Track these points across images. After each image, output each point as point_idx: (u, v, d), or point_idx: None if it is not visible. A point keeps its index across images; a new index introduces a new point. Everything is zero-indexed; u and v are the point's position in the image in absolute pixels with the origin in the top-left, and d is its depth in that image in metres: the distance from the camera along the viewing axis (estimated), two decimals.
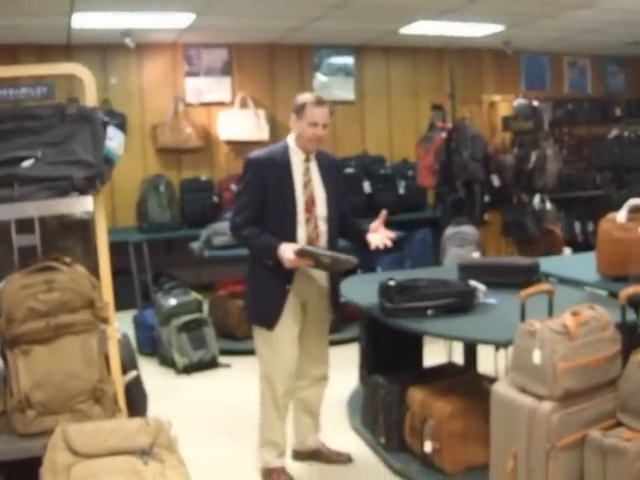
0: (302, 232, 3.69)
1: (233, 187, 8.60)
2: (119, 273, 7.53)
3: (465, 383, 3.82)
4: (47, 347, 2.75)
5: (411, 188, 9.05)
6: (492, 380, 3.82)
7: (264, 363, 3.83)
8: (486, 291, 3.83)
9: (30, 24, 7.26)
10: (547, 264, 4.64)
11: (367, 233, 3.81)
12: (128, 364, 4.33)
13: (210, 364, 5.95)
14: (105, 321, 2.87)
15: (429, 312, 3.59)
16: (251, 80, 9.18)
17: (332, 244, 3.80)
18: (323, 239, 3.76)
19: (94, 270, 2.98)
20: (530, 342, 2.85)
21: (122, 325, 6.51)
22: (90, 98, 2.87)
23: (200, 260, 6.91)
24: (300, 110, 3.69)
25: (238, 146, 8.94)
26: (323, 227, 3.76)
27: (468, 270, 4.28)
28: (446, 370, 4.26)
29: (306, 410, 4.04)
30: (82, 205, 2.69)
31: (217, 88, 9.09)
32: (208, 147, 8.99)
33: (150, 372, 5.87)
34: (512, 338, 3.12)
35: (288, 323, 3.74)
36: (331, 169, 3.86)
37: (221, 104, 9.04)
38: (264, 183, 3.64)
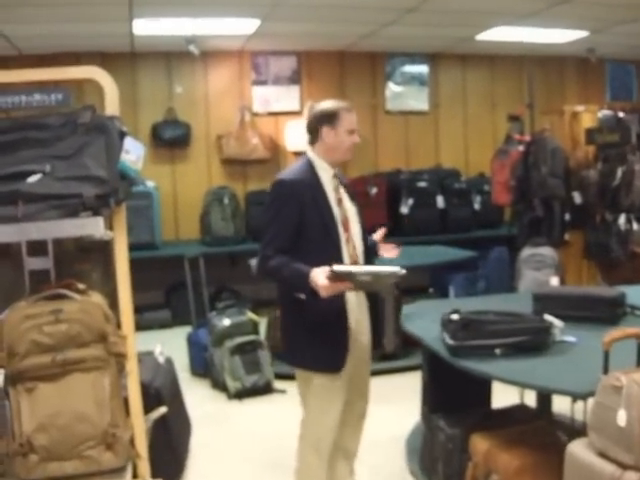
0: (345, 254, 3.31)
1: None
2: (179, 288, 7.57)
3: (536, 432, 3.36)
4: (53, 385, 2.44)
5: (487, 204, 8.64)
6: (568, 429, 3.37)
7: (315, 411, 3.40)
8: (564, 327, 3.38)
9: (92, 31, 7.13)
10: (634, 294, 4.13)
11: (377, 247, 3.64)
12: (167, 392, 4.05)
13: (264, 389, 5.61)
14: (121, 357, 2.53)
15: (497, 351, 3.15)
16: (320, 89, 8.87)
17: (369, 262, 3.45)
18: (362, 259, 3.39)
19: (115, 298, 2.66)
20: (615, 400, 2.39)
21: (178, 342, 6.38)
22: (111, 106, 2.53)
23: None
24: (332, 118, 3.30)
25: None
26: (360, 246, 3.40)
27: (544, 301, 3.82)
28: (516, 414, 3.80)
29: (342, 452, 3.60)
30: (93, 227, 2.36)
31: (285, 97, 8.82)
32: (275, 158, 8.70)
33: (200, 395, 5.61)
34: (593, 389, 2.67)
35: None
36: (349, 187, 3.53)
37: (289, 114, 8.77)
38: (300, 207, 3.22)
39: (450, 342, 3.20)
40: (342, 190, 3.40)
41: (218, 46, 8.21)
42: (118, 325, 2.63)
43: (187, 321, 7.22)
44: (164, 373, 4.20)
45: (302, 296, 3.18)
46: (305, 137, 3.39)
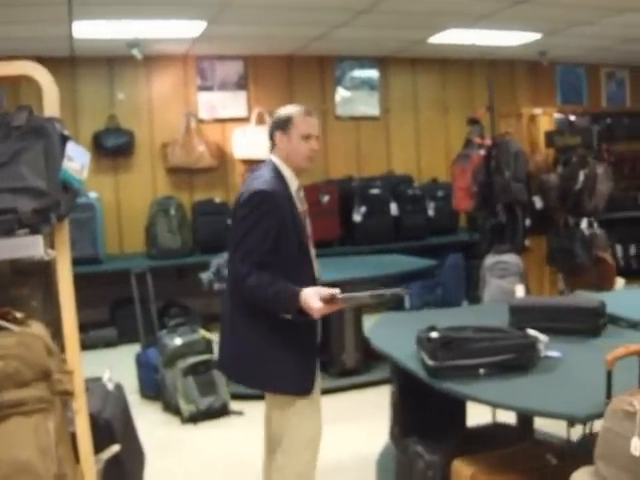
0: (316, 271, 3.10)
1: None
2: (125, 304, 7.20)
3: (523, 455, 3.11)
4: None
5: (441, 210, 8.52)
6: (555, 451, 3.13)
7: (298, 438, 3.09)
8: (548, 342, 3.14)
9: (28, 33, 6.77)
10: (610, 302, 3.92)
11: None
12: (119, 423, 3.71)
13: (220, 412, 5.27)
14: (67, 395, 2.20)
15: (481, 371, 2.89)
16: (268, 94, 8.60)
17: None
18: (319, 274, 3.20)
19: (59, 327, 2.33)
20: (627, 426, 2.15)
21: (125, 362, 6.03)
22: (50, 107, 2.20)
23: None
24: (285, 123, 3.06)
25: (255, 165, 8.26)
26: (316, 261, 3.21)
27: (521, 313, 3.58)
28: (497, 434, 3.56)
29: None
30: (31, 246, 2.03)
31: (232, 103, 8.53)
32: (222, 167, 8.41)
33: (152, 420, 5.27)
34: (592, 411, 2.43)
35: (317, 382, 3.13)
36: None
37: (236, 120, 8.48)
38: (279, 220, 2.96)
39: (430, 363, 2.93)
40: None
41: (162, 50, 7.88)
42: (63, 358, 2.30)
43: (134, 339, 6.85)
44: (114, 401, 3.84)
45: (287, 316, 2.92)
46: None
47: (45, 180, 2.04)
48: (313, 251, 3.14)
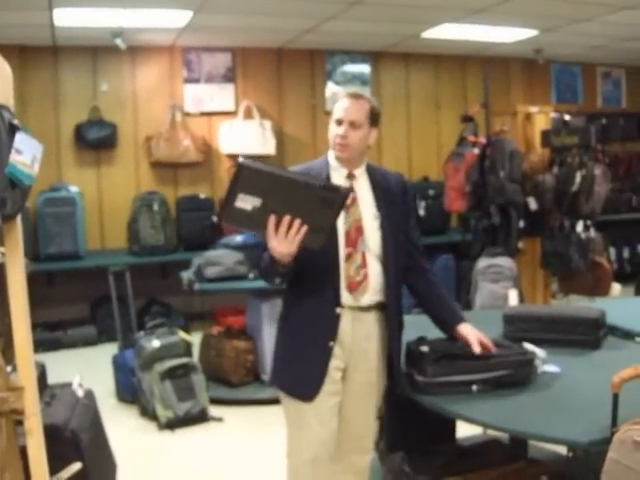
0: (343, 275, 2.74)
1: None
2: (105, 302, 6.97)
3: (517, 475, 2.92)
4: None
5: (432, 209, 8.32)
6: (551, 471, 2.93)
7: (291, 442, 2.86)
8: (546, 357, 2.93)
9: (9, 21, 6.53)
10: (609, 312, 3.71)
11: (456, 324, 2.88)
12: (87, 434, 3.49)
13: (199, 418, 5.03)
14: (16, 414, 1.98)
15: (474, 388, 2.68)
16: (257, 88, 8.38)
17: (391, 293, 2.81)
18: (374, 283, 2.78)
19: (10, 337, 2.10)
20: (637, 459, 1.94)
21: (104, 362, 5.80)
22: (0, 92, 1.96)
23: None
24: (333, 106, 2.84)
25: None
26: (375, 267, 2.78)
27: (516, 323, 3.37)
28: (489, 451, 3.35)
29: None
30: None
31: (219, 96, 8.29)
32: (208, 161, 8.18)
33: (128, 426, 5.05)
34: (594, 436, 2.23)
35: (326, 392, 2.76)
36: (392, 192, 2.89)
37: (223, 114, 8.24)
38: None
39: (419, 378, 2.72)
40: (367, 195, 2.82)
41: (147, 40, 7.63)
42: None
43: (114, 338, 6.64)
44: (83, 410, 3.62)
45: (277, 281, 2.70)
46: None
47: None
48: (348, 251, 2.74)
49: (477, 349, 2.74)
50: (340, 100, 2.79)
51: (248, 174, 2.38)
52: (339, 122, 2.76)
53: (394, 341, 2.84)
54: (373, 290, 2.78)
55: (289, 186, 2.44)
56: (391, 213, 2.84)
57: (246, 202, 2.39)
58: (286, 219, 2.45)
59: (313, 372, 2.74)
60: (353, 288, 2.74)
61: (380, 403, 2.97)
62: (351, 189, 2.72)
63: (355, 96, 2.79)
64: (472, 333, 2.81)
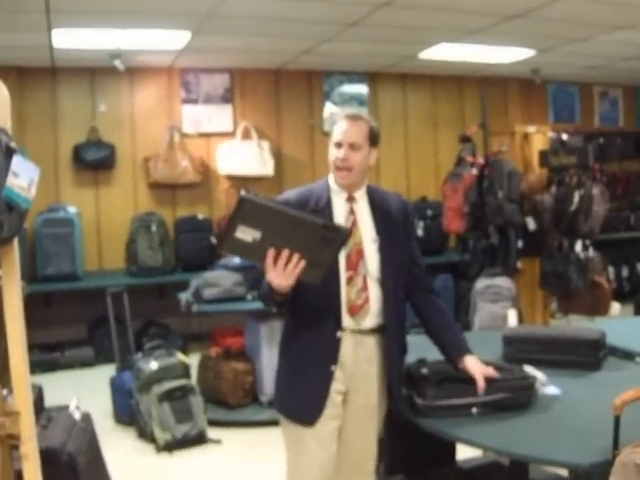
0: (344, 299, 2.72)
1: None
2: (103, 323, 6.94)
3: None
4: None
5: (430, 229, 8.33)
6: None
7: (290, 466, 2.83)
8: (546, 380, 2.91)
9: (8, 42, 6.55)
10: (609, 332, 3.69)
11: (461, 356, 2.81)
12: (84, 458, 3.46)
13: (197, 440, 5.00)
14: (12, 439, 1.95)
15: (474, 411, 2.66)
16: (255, 109, 8.40)
17: (391, 316, 2.79)
18: (375, 306, 2.76)
19: (7, 360, 2.08)
20: None
21: (101, 383, 5.77)
22: None
23: None
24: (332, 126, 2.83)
25: (239, 181, 8.13)
26: (376, 290, 2.77)
27: (516, 344, 3.35)
28: (488, 473, 3.32)
29: None
30: None
31: (217, 117, 8.29)
32: (206, 182, 8.17)
33: (125, 448, 5.01)
34: (597, 459, 2.21)
35: (327, 416, 2.73)
36: (392, 214, 2.86)
37: (221, 135, 8.25)
38: None
39: (419, 401, 2.70)
40: (367, 219, 2.80)
41: (145, 62, 7.65)
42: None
43: (112, 359, 6.60)
44: (80, 433, 3.59)
45: (274, 309, 2.79)
46: None
47: None
48: (349, 274, 2.72)
49: (481, 385, 2.68)
50: (339, 122, 2.77)
51: (250, 208, 2.37)
52: (339, 145, 2.74)
53: (394, 364, 2.81)
54: (374, 313, 2.76)
55: (290, 222, 2.44)
56: (391, 235, 2.82)
57: (246, 234, 2.38)
58: (285, 252, 2.44)
59: (314, 396, 2.71)
60: (354, 312, 2.73)
61: (381, 426, 2.94)
62: (352, 226, 2.73)
63: (353, 117, 2.78)
64: (477, 368, 2.74)
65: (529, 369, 2.90)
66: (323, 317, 2.71)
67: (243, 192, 2.44)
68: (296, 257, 2.44)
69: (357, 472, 2.89)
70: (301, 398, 2.75)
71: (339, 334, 2.71)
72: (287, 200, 2.76)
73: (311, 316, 2.72)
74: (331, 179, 2.83)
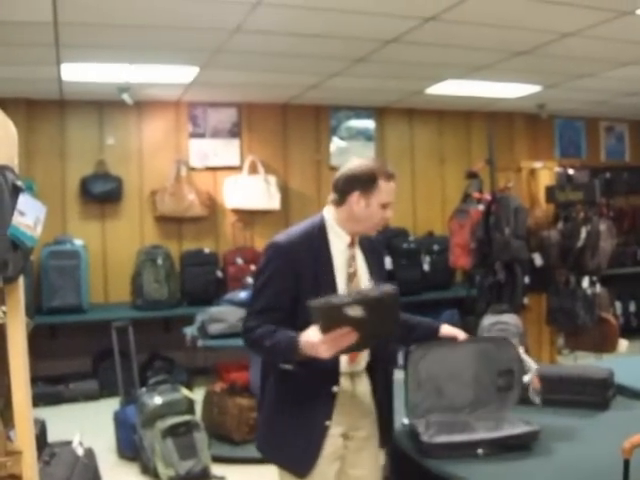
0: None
1: (239, 261, 7.83)
2: (108, 356, 6.91)
3: None
4: None
5: (437, 264, 8.31)
6: None
7: None
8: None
9: (18, 75, 6.61)
10: (617, 370, 3.66)
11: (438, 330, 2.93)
12: None
13: (200, 477, 4.93)
14: (14, 479, 1.93)
15: (479, 452, 2.63)
16: (262, 143, 8.43)
17: (387, 353, 2.91)
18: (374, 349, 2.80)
19: (10, 398, 2.07)
20: None
21: (105, 417, 5.73)
22: (3, 152, 1.95)
23: None
24: (369, 185, 2.68)
25: (246, 215, 8.16)
26: None
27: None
28: None
29: None
30: None
31: (224, 151, 8.32)
32: (213, 216, 8.19)
33: None
34: None
35: (326, 458, 2.70)
36: (374, 253, 2.90)
37: (228, 169, 8.28)
38: (297, 277, 2.65)
39: (424, 439, 2.67)
40: (362, 263, 2.80)
41: (153, 96, 7.70)
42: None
43: (116, 393, 6.56)
44: (83, 469, 3.58)
45: (287, 367, 2.65)
46: (330, 196, 2.79)
47: None
48: None
49: (462, 337, 2.90)
50: (387, 183, 2.70)
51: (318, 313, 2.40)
52: (386, 205, 2.71)
53: (384, 390, 2.87)
54: (367, 354, 2.81)
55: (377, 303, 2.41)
56: (378, 275, 2.84)
57: (356, 311, 2.36)
58: (346, 330, 2.39)
59: (307, 450, 2.68)
60: (353, 359, 2.75)
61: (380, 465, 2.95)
62: (354, 273, 2.77)
63: (394, 175, 2.75)
64: (454, 329, 2.94)
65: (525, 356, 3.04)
66: (322, 373, 2.65)
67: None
68: (353, 335, 2.41)
69: None
70: (293, 450, 2.71)
71: (335, 389, 2.70)
72: (290, 242, 2.70)
73: (310, 371, 2.62)
74: (331, 220, 2.77)
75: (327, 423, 2.68)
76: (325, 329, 2.39)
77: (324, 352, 2.42)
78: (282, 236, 2.74)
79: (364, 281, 2.77)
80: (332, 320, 2.38)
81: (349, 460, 2.80)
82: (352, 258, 2.76)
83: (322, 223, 2.77)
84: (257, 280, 2.75)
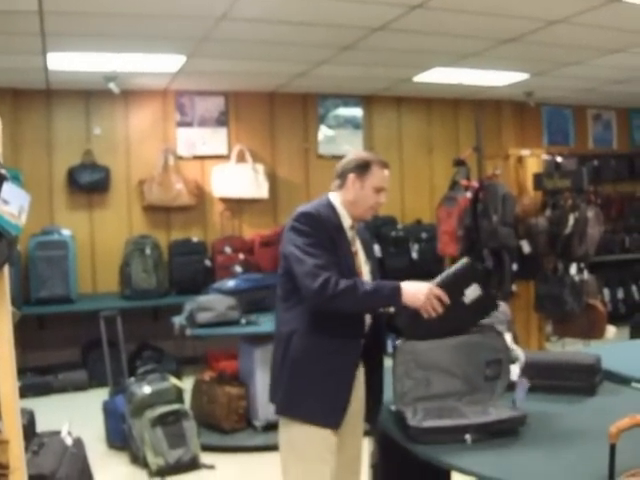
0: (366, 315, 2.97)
1: (228, 250, 7.81)
2: (97, 346, 6.89)
3: None
4: None
5: (425, 252, 8.30)
6: None
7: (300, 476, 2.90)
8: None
9: (3, 65, 6.57)
10: (604, 356, 3.68)
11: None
12: None
13: (190, 465, 4.94)
14: (1, 468, 1.93)
15: (467, 437, 2.64)
16: (249, 132, 8.40)
17: (378, 329, 3.04)
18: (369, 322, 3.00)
19: None
20: None
21: (94, 407, 5.72)
22: None
23: None
24: (364, 169, 2.96)
25: (234, 204, 8.14)
26: None
27: None
28: None
29: None
30: None
31: (212, 140, 8.29)
32: (201, 205, 8.17)
33: (118, 473, 4.97)
34: None
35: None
36: (366, 237, 3.16)
37: (216, 158, 8.25)
38: (330, 239, 2.88)
39: (412, 424, 2.68)
40: (358, 244, 3.04)
41: (140, 85, 7.66)
42: None
43: (105, 382, 6.56)
44: (71, 459, 3.57)
45: (391, 309, 2.94)
46: (333, 182, 3.03)
47: None
48: None
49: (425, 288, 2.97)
50: (380, 170, 2.97)
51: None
52: (379, 190, 2.96)
53: (375, 369, 3.05)
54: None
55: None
56: (372, 257, 3.14)
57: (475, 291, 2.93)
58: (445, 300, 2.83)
59: (341, 399, 2.86)
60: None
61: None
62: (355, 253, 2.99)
63: (387, 165, 3.03)
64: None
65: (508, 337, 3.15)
66: (353, 324, 2.89)
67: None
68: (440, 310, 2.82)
69: (348, 471, 3.05)
70: (331, 401, 2.86)
71: (362, 341, 2.92)
72: (319, 213, 2.89)
73: (343, 322, 2.86)
74: (337, 204, 2.98)
75: (356, 372, 2.90)
76: (443, 284, 2.84)
77: (423, 298, 2.80)
78: (309, 207, 2.94)
79: (362, 260, 3.02)
80: (457, 281, 2.89)
81: (342, 430, 2.92)
82: (354, 239, 3.00)
83: (331, 204, 2.99)
84: (299, 241, 2.85)
